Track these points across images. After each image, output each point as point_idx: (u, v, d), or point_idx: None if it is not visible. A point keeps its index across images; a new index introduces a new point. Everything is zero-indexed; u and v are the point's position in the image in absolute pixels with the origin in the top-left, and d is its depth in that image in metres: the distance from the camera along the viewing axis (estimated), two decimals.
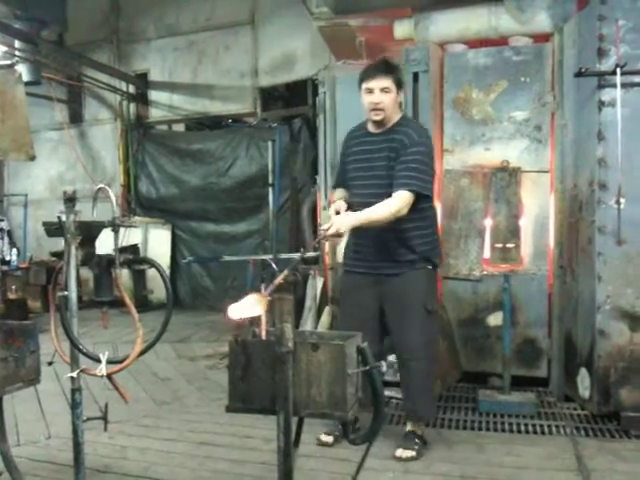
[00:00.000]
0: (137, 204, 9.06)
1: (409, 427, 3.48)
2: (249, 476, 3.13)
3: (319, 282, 5.47)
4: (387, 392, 4.25)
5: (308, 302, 5.65)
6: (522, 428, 3.78)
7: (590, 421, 3.87)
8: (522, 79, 4.58)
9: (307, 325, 5.57)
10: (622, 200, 3.83)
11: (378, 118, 3.34)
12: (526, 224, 4.57)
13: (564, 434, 3.69)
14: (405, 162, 3.24)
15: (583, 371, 4.02)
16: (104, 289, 2.48)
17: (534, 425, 3.82)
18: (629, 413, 3.73)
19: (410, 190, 3.19)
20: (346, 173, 3.61)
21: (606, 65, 3.88)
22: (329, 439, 3.49)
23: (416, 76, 4.81)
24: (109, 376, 2.38)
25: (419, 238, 3.39)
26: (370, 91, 3.33)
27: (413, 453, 3.33)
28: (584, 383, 4.00)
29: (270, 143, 6.69)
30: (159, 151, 8.95)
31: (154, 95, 9.24)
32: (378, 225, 3.22)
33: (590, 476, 3.09)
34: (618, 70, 3.79)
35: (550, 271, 4.52)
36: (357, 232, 3.38)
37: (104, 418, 2.43)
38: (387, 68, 3.36)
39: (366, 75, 3.36)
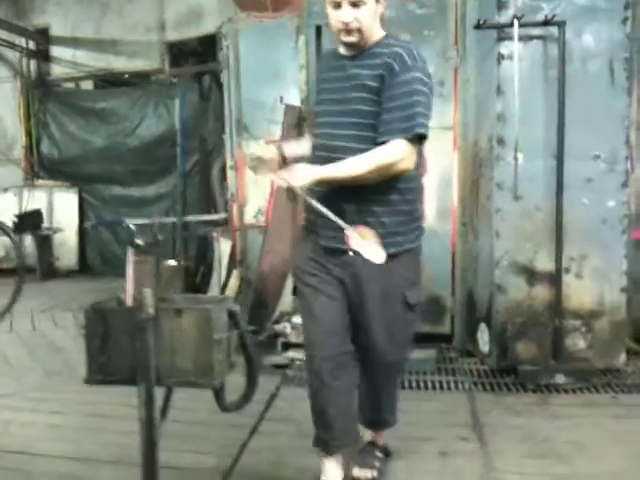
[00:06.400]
0: (40, 167, 8.59)
1: (369, 437, 2.81)
2: (136, 448, 2.98)
3: (224, 244, 5.32)
4: (291, 353, 4.19)
5: (215, 266, 5.51)
6: (421, 384, 3.79)
7: (489, 376, 3.92)
8: (425, 33, 4.49)
9: (214, 290, 5.44)
10: (519, 155, 3.83)
11: (351, 40, 2.35)
12: (430, 182, 4.51)
13: (462, 389, 3.72)
14: (397, 97, 2.27)
15: (483, 326, 4.05)
16: None
17: (433, 381, 3.84)
18: (525, 367, 3.79)
19: (412, 136, 2.26)
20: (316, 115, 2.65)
21: (505, 17, 3.84)
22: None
23: (319, 30, 4.67)
24: None
25: (405, 204, 2.43)
26: (336, 5, 2.31)
27: (374, 474, 2.68)
28: (483, 338, 4.04)
29: (177, 101, 6.40)
30: (62, 110, 8.47)
31: (56, 51, 8.69)
32: (358, 183, 2.32)
33: (482, 431, 3.11)
34: (516, 22, 3.75)
35: (454, 229, 4.52)
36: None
37: None
38: None
39: None
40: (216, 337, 1.96)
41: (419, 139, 2.30)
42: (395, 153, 2.26)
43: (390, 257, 2.33)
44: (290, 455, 2.89)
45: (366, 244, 2.23)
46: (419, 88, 2.30)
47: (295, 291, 3.03)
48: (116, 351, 1.98)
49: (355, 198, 2.36)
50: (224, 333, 2.03)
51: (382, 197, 2.39)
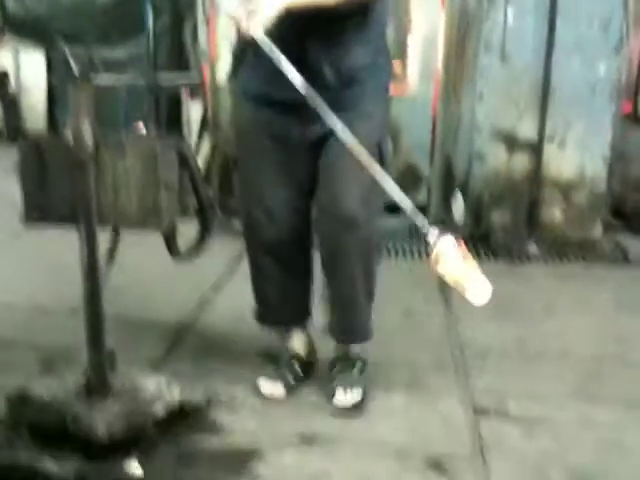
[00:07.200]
0: (5, 23, 8.04)
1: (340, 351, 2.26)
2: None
3: (195, 106, 5.07)
4: None
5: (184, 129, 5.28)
6: (392, 252, 3.71)
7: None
8: None
9: None
10: (509, 12, 3.56)
11: None
12: (414, 42, 4.26)
13: None
14: None
15: (458, 194, 3.93)
16: None
17: (404, 249, 3.76)
18: (499, 236, 3.72)
19: None
20: None
21: None
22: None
23: None
24: None
25: (376, 26, 2.03)
26: None
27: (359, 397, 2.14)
28: (458, 206, 3.94)
29: None
30: None
31: None
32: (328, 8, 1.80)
33: (449, 293, 3.04)
34: None
35: (436, 94, 4.29)
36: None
37: None
38: None
39: None
40: (163, 175, 1.80)
41: None
42: None
43: (374, 93, 2.06)
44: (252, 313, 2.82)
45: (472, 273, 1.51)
46: None
47: (235, 162, 2.34)
48: (54, 187, 1.82)
49: (323, 26, 1.88)
50: (173, 172, 1.86)
51: (354, 26, 1.95)
